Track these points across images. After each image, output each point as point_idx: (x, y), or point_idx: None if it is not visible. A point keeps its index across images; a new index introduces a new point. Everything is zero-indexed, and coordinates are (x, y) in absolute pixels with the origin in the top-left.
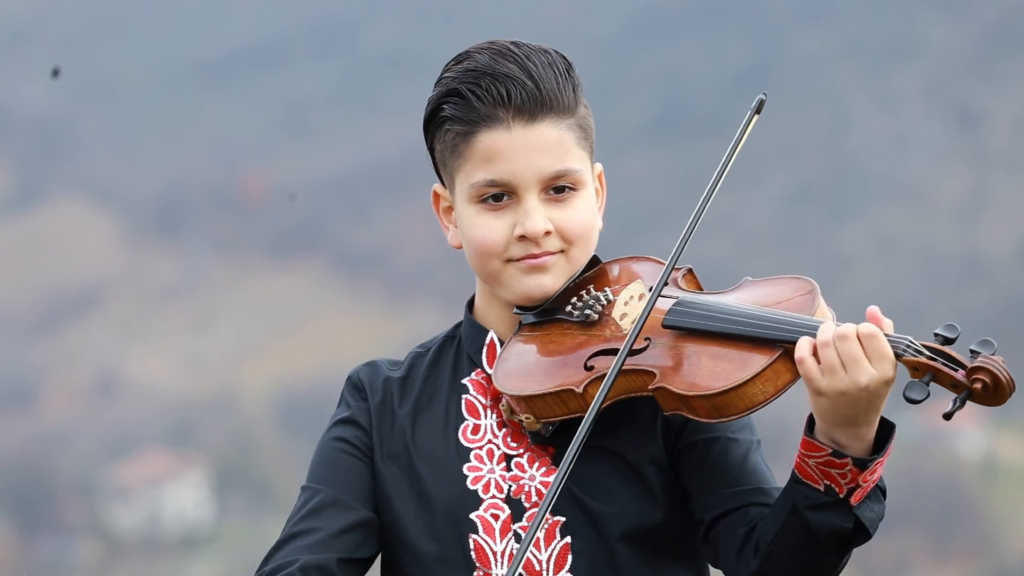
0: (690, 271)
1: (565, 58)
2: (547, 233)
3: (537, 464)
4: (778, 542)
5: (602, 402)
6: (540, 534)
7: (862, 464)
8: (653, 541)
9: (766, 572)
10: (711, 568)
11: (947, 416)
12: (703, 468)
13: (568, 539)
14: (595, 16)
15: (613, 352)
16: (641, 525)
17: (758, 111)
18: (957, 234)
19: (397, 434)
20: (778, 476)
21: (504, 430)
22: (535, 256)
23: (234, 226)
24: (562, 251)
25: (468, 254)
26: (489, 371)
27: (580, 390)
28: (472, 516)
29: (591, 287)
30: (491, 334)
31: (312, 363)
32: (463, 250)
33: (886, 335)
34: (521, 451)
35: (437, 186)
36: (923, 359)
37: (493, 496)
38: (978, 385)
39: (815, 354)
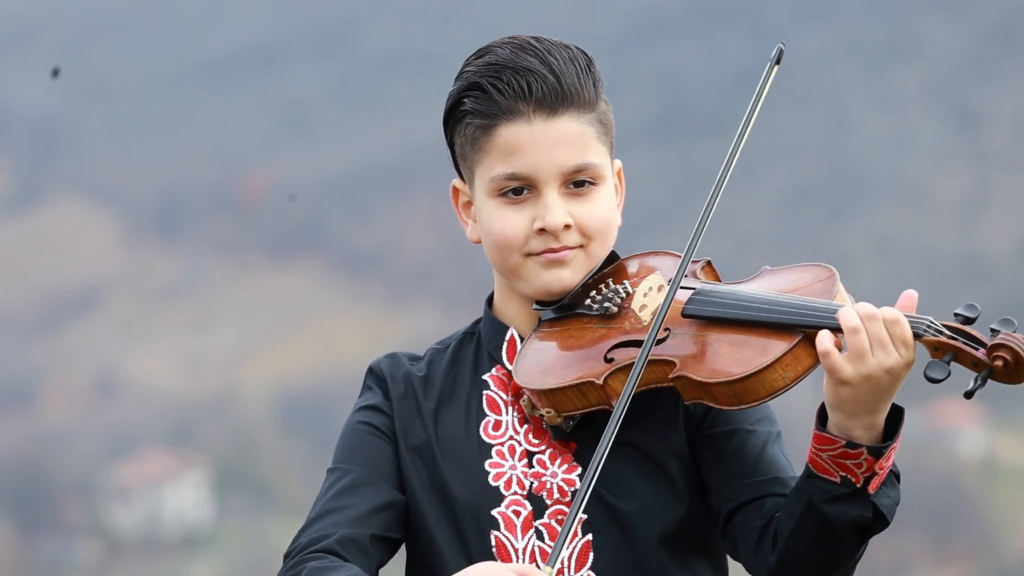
0: (708, 263)
1: (586, 53)
2: (567, 227)
3: (559, 461)
4: (795, 537)
5: (631, 394)
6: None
7: (877, 452)
8: (675, 537)
9: (785, 567)
10: (731, 561)
11: (968, 395)
12: (721, 460)
13: (590, 536)
14: (595, 16)
15: (633, 344)
16: (664, 521)
17: (778, 61)
18: (957, 234)
19: (419, 428)
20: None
21: (526, 426)
22: (554, 250)
23: (234, 226)
24: (581, 246)
25: (487, 248)
26: (509, 367)
27: (600, 382)
28: (494, 512)
29: (610, 281)
30: (511, 330)
31: (312, 363)
32: (482, 245)
33: (906, 315)
34: (543, 447)
35: (456, 181)
36: (944, 339)
37: (515, 492)
38: (999, 363)
39: (838, 346)
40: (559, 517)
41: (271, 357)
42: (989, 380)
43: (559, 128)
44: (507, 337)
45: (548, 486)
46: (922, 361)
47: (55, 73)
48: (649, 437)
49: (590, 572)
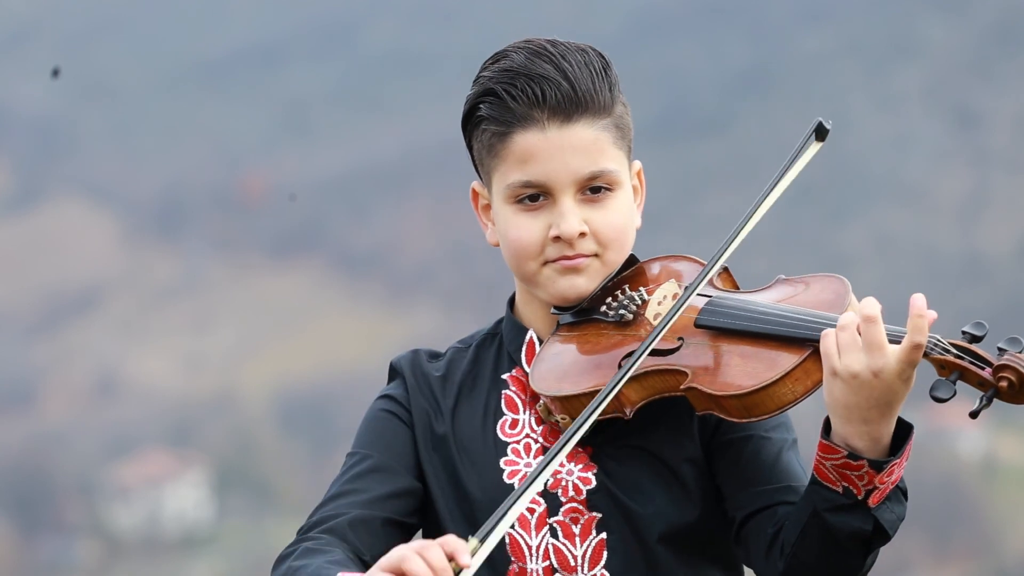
0: (726, 270)
1: (603, 56)
2: (582, 235)
3: (575, 460)
4: (801, 544)
5: (615, 386)
6: (576, 529)
7: (878, 466)
8: (689, 541)
9: (792, 574)
10: (746, 568)
11: (973, 415)
12: (736, 467)
13: (604, 535)
14: (595, 16)
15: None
16: (677, 525)
17: (819, 138)
18: (957, 234)
19: (437, 424)
20: None
21: (543, 425)
22: (569, 257)
23: (234, 226)
24: (596, 255)
25: (505, 254)
26: (528, 369)
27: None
28: None
29: (626, 287)
30: (530, 333)
31: (312, 363)
32: (500, 248)
33: None
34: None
35: (476, 184)
36: (950, 357)
37: None
38: (1004, 383)
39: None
40: (573, 515)
41: (271, 357)
42: (995, 400)
43: (574, 135)
44: (526, 339)
45: (563, 484)
46: (929, 379)
47: (55, 73)
48: (663, 443)
49: (603, 571)
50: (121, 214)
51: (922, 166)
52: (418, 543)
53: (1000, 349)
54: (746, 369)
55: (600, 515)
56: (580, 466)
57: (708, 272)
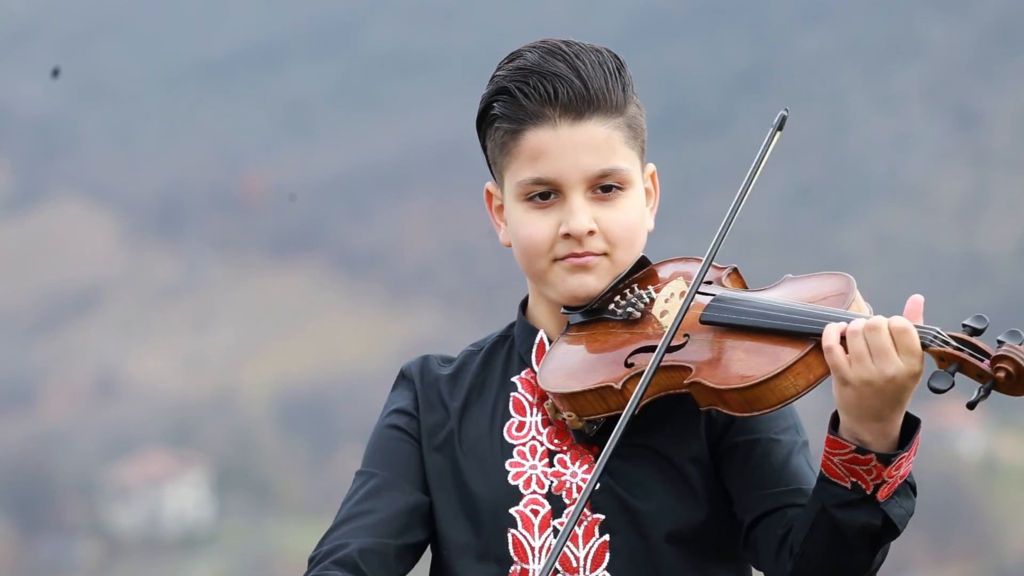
0: (735, 270)
1: (617, 57)
2: (591, 233)
3: (579, 462)
4: (809, 542)
5: (641, 397)
6: (579, 530)
7: (886, 459)
8: (694, 541)
9: (800, 574)
10: (754, 571)
11: (971, 405)
12: (744, 470)
13: (607, 537)
14: (595, 16)
15: (654, 349)
16: (682, 525)
17: (780, 128)
18: (957, 234)
19: (444, 426)
20: None
21: (549, 427)
22: (578, 255)
23: (234, 226)
24: (605, 253)
25: (516, 252)
26: (537, 370)
27: (619, 386)
28: (512, 511)
29: (635, 286)
30: (541, 333)
31: (312, 363)
32: (512, 248)
33: (914, 325)
34: (564, 448)
35: (490, 184)
36: (950, 349)
37: (534, 492)
38: (1002, 374)
39: (843, 343)
40: (577, 518)
41: (271, 357)
42: (992, 391)
43: (585, 133)
44: (537, 340)
45: (568, 486)
46: (928, 372)
47: (55, 73)
48: (668, 441)
49: (606, 572)
50: (121, 214)
51: (922, 166)
52: None
53: (999, 342)
54: (749, 363)
55: (604, 516)
56: (584, 467)
57: (706, 266)
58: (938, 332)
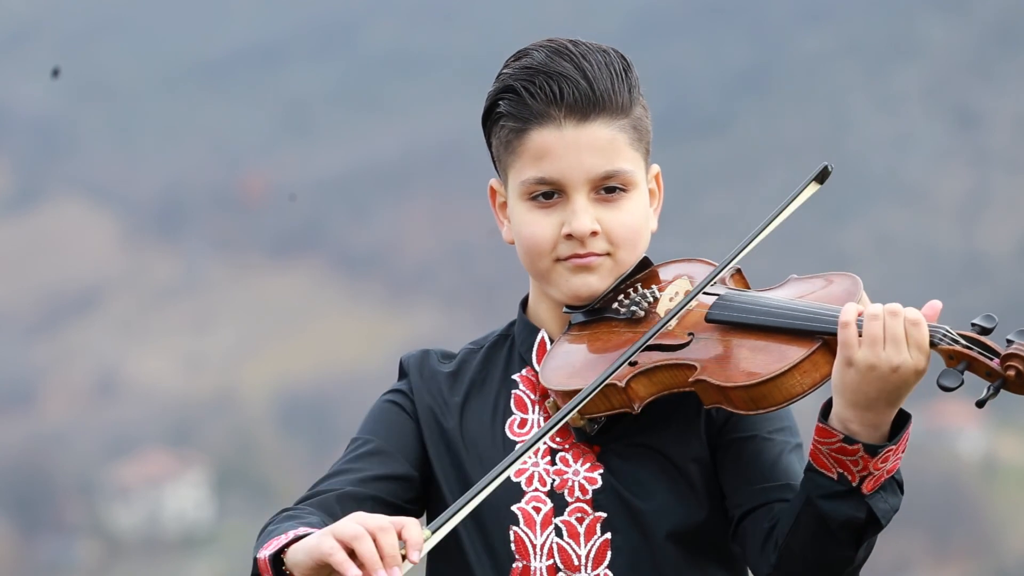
0: (739, 271)
1: (624, 58)
2: (594, 233)
3: (582, 460)
4: (793, 534)
5: (609, 374)
6: (580, 528)
7: (872, 450)
8: (695, 541)
9: (783, 566)
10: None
11: (980, 404)
12: (737, 466)
13: (608, 535)
14: (595, 16)
15: (657, 348)
16: (683, 524)
17: (820, 181)
18: (957, 234)
19: (444, 421)
20: None
21: None
22: (581, 256)
23: (234, 226)
24: (608, 254)
25: (519, 251)
26: (538, 368)
27: (622, 384)
28: (514, 508)
29: (639, 285)
30: (542, 332)
31: (312, 363)
32: (515, 246)
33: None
34: (567, 446)
35: (494, 181)
36: (959, 348)
37: (536, 489)
38: (1011, 372)
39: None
40: (579, 515)
41: (271, 357)
42: (1002, 390)
43: (590, 134)
44: (538, 339)
45: (570, 484)
46: (936, 369)
47: (55, 73)
48: (671, 442)
49: (607, 571)
50: (121, 214)
51: (922, 166)
52: (375, 520)
53: (1009, 341)
54: (755, 361)
55: (605, 515)
56: (587, 466)
57: (717, 273)
58: (947, 331)
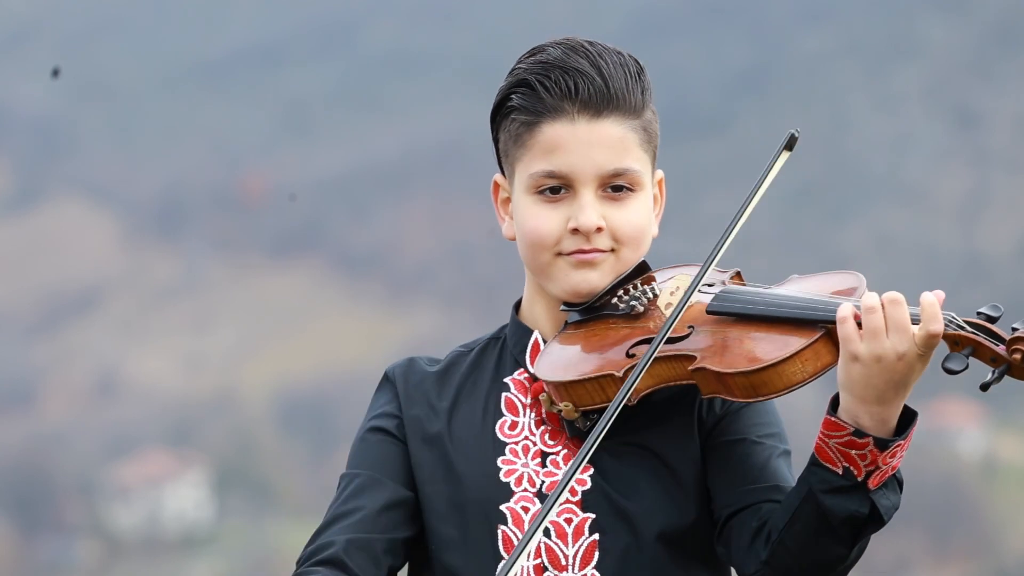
0: (738, 274)
1: (638, 62)
2: (599, 229)
3: (571, 460)
4: (789, 529)
5: (636, 379)
6: (568, 529)
7: (883, 444)
8: (683, 542)
9: (775, 561)
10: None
11: (984, 387)
12: (725, 468)
13: (596, 536)
14: (595, 16)
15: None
16: (673, 525)
17: (789, 148)
18: (957, 234)
19: (431, 423)
20: None
21: (542, 428)
22: (584, 251)
23: (234, 226)
24: (612, 251)
25: (520, 245)
26: (531, 370)
27: (620, 374)
28: (502, 507)
29: (637, 283)
30: (535, 334)
31: (312, 363)
32: (516, 242)
33: None
34: (558, 449)
35: (498, 176)
36: (965, 333)
37: (525, 490)
38: (1017, 355)
39: (858, 321)
40: (567, 516)
41: (271, 357)
42: (1007, 376)
43: (602, 130)
44: (531, 340)
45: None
46: (940, 356)
47: (55, 73)
48: (665, 442)
49: (594, 571)
50: (121, 214)
51: (922, 166)
52: None
53: (1014, 328)
54: (756, 348)
55: (594, 516)
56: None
57: (713, 258)
58: (953, 317)
